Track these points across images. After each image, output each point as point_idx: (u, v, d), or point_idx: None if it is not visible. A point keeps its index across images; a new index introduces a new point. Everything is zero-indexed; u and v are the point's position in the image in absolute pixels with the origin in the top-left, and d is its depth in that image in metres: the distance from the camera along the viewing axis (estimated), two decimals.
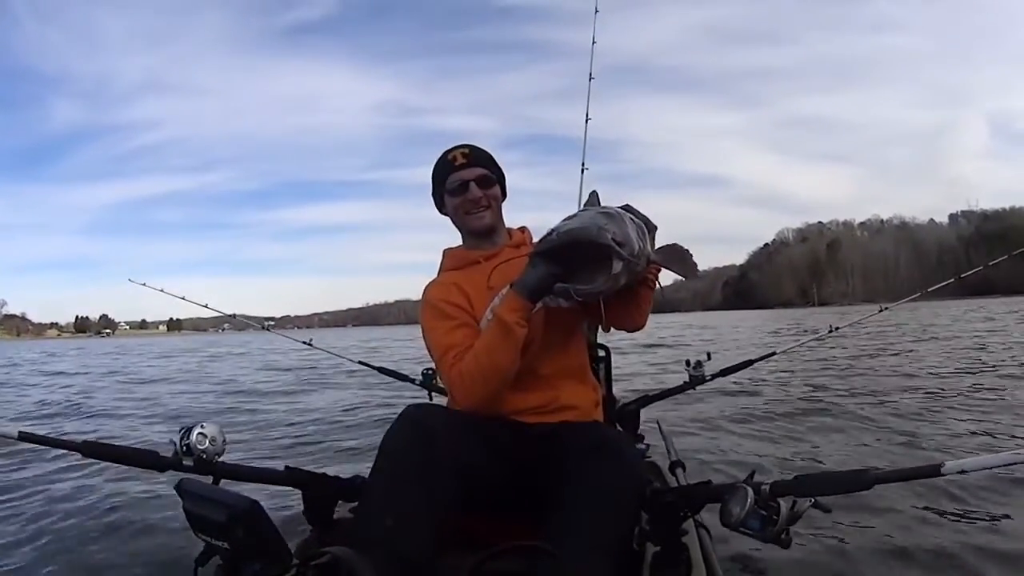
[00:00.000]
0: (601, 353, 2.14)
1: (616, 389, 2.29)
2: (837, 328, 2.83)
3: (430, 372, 2.56)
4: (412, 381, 2.69)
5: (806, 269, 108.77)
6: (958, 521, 2.01)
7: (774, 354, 2.78)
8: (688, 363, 2.45)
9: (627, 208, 1.34)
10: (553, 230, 1.21)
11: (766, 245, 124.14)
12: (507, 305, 1.24)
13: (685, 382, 2.46)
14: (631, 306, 1.39)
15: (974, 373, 5.20)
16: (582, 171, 2.66)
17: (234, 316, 3.27)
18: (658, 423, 2.64)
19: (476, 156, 1.45)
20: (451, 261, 1.52)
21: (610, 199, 1.51)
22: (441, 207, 1.51)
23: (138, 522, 2.55)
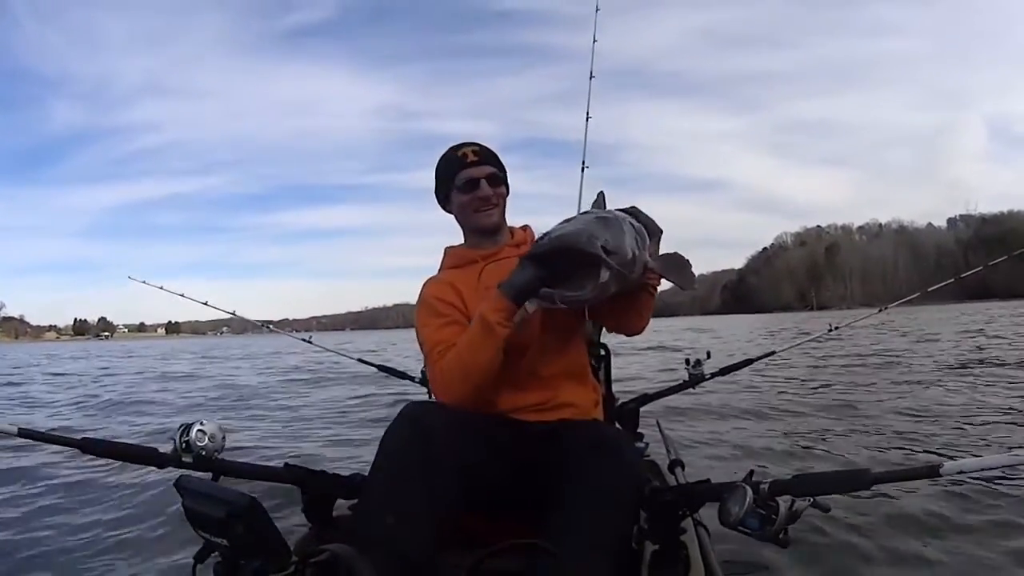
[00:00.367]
0: (602, 352, 2.14)
1: (615, 388, 2.29)
2: (836, 327, 2.83)
3: None
4: (412, 379, 2.69)
5: (804, 273, 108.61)
6: (955, 522, 2.01)
7: (774, 353, 2.78)
8: (688, 362, 2.45)
9: (632, 211, 1.33)
10: (546, 234, 1.21)
11: (764, 249, 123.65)
12: (491, 305, 1.24)
13: (684, 381, 2.46)
14: (631, 311, 1.40)
15: (975, 374, 5.20)
16: (582, 170, 2.67)
17: (233, 313, 3.24)
18: (657, 422, 2.64)
19: (486, 154, 1.45)
20: (451, 260, 1.52)
21: (613, 202, 1.52)
22: (445, 203, 1.51)
23: (137, 519, 2.56)
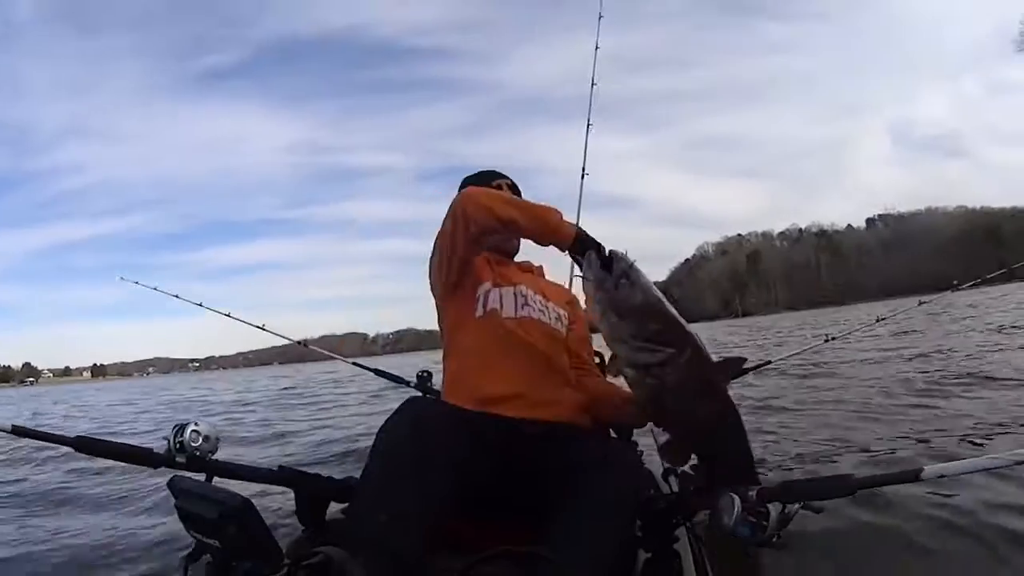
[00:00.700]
0: (596, 360, 2.14)
1: None
2: (832, 338, 2.83)
3: (425, 375, 2.55)
4: (407, 383, 2.68)
5: (728, 281, 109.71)
6: (953, 522, 2.00)
7: (769, 363, 2.78)
8: None
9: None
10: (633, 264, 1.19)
11: (687, 260, 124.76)
12: (562, 220, 1.31)
13: None
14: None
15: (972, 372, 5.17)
16: (582, 176, 2.73)
17: (228, 314, 3.19)
18: (652, 429, 2.64)
19: (515, 189, 1.64)
20: None
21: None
22: None
23: (129, 518, 2.55)
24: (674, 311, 1.18)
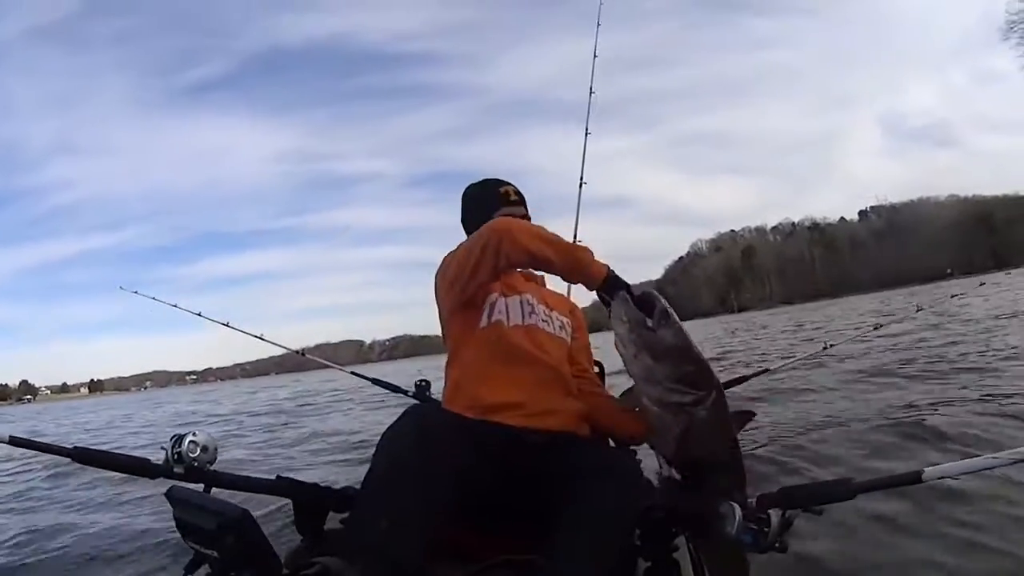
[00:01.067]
0: (596, 370, 2.14)
1: None
2: (831, 345, 2.84)
3: (423, 383, 2.55)
4: (405, 393, 2.67)
5: (723, 277, 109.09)
6: (952, 523, 1.99)
7: (768, 371, 2.79)
8: None
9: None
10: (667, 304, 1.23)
11: (681, 258, 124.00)
12: (593, 259, 1.33)
13: None
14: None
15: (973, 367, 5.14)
16: (580, 185, 2.72)
17: (227, 324, 3.17)
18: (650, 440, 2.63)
19: (521, 196, 1.63)
20: None
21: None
22: (474, 228, 1.57)
23: (127, 529, 2.53)
24: (701, 352, 1.24)
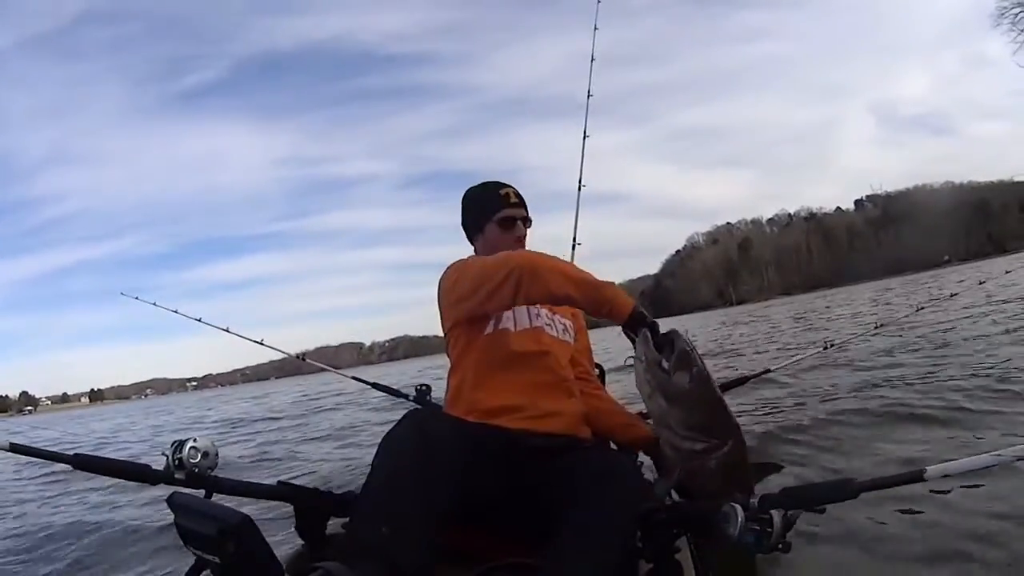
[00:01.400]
0: (596, 372, 2.14)
1: None
2: (832, 344, 2.85)
3: (424, 388, 2.54)
4: (406, 397, 2.67)
5: (720, 270, 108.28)
6: (955, 521, 1.99)
7: (769, 371, 2.79)
8: None
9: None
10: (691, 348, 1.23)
11: (678, 252, 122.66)
12: (618, 295, 1.31)
13: None
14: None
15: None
16: (579, 188, 2.74)
17: (227, 329, 3.16)
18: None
19: (521, 198, 1.64)
20: None
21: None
22: (475, 232, 1.63)
23: (128, 535, 2.53)
24: (722, 398, 1.23)
